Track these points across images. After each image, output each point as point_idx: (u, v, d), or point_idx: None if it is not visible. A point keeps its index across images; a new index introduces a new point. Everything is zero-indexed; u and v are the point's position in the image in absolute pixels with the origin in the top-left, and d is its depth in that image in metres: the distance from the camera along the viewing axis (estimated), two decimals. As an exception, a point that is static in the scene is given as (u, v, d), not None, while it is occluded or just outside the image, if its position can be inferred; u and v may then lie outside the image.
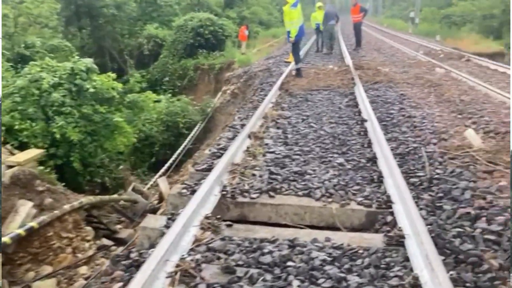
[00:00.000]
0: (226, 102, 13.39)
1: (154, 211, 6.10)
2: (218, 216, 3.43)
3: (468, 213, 3.24)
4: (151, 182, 10.69)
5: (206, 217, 3.32)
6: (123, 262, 2.95)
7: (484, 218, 3.15)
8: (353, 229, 3.55)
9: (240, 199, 3.79)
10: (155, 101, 15.76)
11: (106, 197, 7.00)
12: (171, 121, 14.38)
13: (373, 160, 4.62)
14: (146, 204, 7.54)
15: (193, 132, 13.70)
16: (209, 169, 4.27)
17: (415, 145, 4.92)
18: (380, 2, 71.81)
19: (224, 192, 3.81)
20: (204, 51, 22.60)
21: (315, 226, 3.62)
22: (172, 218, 3.36)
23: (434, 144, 4.83)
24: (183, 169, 10.14)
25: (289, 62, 12.75)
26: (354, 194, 3.83)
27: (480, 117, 5.96)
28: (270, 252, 2.91)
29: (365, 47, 17.95)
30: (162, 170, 11.48)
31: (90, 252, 5.72)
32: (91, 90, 9.14)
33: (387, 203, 3.60)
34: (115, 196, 7.59)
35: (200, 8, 29.11)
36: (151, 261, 2.59)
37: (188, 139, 13.47)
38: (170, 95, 18.34)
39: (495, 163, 4.10)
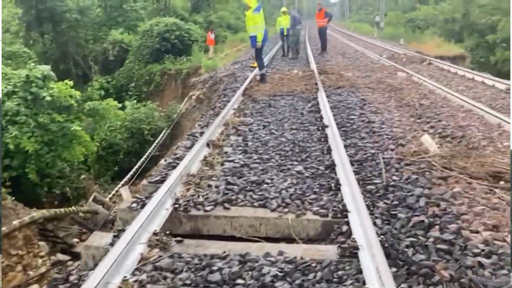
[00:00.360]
0: (191, 108, 13.20)
1: (114, 222, 5.88)
2: (168, 232, 3.28)
3: (422, 221, 3.21)
4: (113, 192, 10.40)
5: (155, 233, 3.17)
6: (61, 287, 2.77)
7: (437, 227, 3.12)
8: (309, 240, 3.47)
9: (194, 212, 3.65)
10: (120, 108, 15.43)
11: (62, 210, 6.71)
12: (135, 128, 14.09)
13: (331, 167, 4.57)
14: (107, 214, 7.28)
15: (158, 139, 13.44)
16: (162, 181, 4.12)
17: (373, 151, 4.90)
18: (346, 7, 72.97)
19: (177, 205, 3.66)
20: (171, 56, 22.32)
21: (271, 238, 3.53)
22: (118, 235, 3.20)
23: (392, 150, 4.82)
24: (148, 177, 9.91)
25: (255, 67, 12.71)
26: (310, 204, 3.75)
27: (438, 121, 6.02)
28: (220, 270, 2.79)
29: (331, 51, 18.12)
30: (126, 178, 11.18)
31: (43, 269, 5.45)
32: (48, 98, 8.80)
33: (343, 212, 3.54)
34: (72, 208, 7.29)
35: (166, 12, 28.79)
36: (88, 286, 2.42)
37: (152, 146, 13.20)
38: (135, 101, 18.02)
39: (450, 169, 4.11)
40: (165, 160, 4.98)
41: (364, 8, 74.54)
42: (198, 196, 3.89)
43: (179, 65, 21.76)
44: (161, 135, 13.83)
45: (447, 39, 32.32)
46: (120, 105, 15.76)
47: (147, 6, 29.37)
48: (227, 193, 3.95)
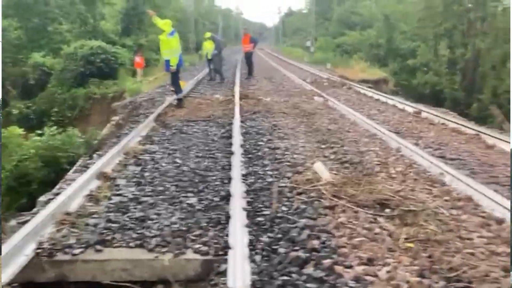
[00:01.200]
0: (110, 134, 12.62)
1: None
2: (28, 281, 2.91)
3: (299, 257, 3.06)
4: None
5: (7, 284, 2.79)
6: None
7: (312, 262, 2.99)
8: (189, 281, 3.22)
9: (59, 256, 3.28)
10: (40, 134, 14.50)
11: None
12: (50, 156, 13.21)
13: (227, 198, 4.38)
14: None
15: (74, 168, 12.65)
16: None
17: (271, 179, 4.78)
18: (280, 32, 75.02)
19: (40, 250, 3.28)
20: (96, 80, 21.55)
21: (147, 281, 3.25)
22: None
23: (288, 178, 4.72)
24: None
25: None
26: (193, 241, 3.51)
27: (341, 147, 6.05)
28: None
29: (259, 75, 18.30)
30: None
31: None
32: None
33: (225, 249, 3.33)
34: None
35: (94, 35, 27.95)
36: None
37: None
38: (56, 127, 17.04)
39: (339, 197, 4.05)
40: (45, 197, 4.55)
41: (299, 33, 77.04)
42: (69, 238, 3.52)
43: (105, 89, 21.08)
44: (78, 163, 13.03)
45: (373, 63, 34.01)
46: (40, 131, 14.84)
47: (74, 28, 28.32)
48: (103, 233, 3.62)
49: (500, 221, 3.62)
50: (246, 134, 7.13)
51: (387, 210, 3.82)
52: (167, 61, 9.68)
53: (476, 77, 25.94)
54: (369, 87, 20.58)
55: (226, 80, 16.00)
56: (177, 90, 10.00)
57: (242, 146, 6.30)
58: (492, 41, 24.70)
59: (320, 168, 4.58)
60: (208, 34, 17.33)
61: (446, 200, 4.00)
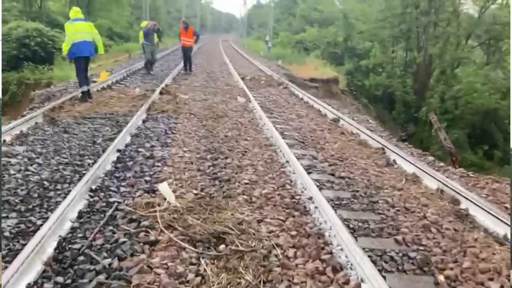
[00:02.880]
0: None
1: None
2: None
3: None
4: None
5: None
6: None
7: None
8: None
9: None
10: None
11: None
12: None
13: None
14: None
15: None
16: None
17: (119, 198, 4.10)
18: (245, 25, 74.17)
19: None
20: (31, 64, 20.16)
21: None
22: None
23: (133, 198, 4.05)
24: None
25: (95, 82, 11.63)
26: None
27: (225, 159, 5.45)
28: None
29: (201, 69, 17.56)
30: None
31: None
32: None
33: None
34: None
35: (39, 16, 26.34)
36: None
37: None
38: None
39: (174, 227, 3.43)
40: None
41: (265, 26, 76.29)
42: None
43: (40, 75, 19.74)
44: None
45: (329, 61, 33.76)
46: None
47: (13, 7, 26.59)
48: None
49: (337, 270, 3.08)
50: (135, 137, 6.42)
51: (221, 247, 3.22)
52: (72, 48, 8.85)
53: (427, 81, 26.03)
54: (315, 87, 20.44)
55: (165, 72, 15.15)
56: (81, 81, 9.14)
57: (119, 151, 5.60)
58: (443, 46, 24.81)
59: (165, 189, 3.93)
60: (144, 23, 16.51)
61: (292, 237, 3.44)
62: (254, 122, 7.81)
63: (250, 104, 9.50)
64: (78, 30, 8.86)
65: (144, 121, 7.55)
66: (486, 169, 22.69)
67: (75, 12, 9.12)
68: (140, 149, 5.76)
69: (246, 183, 4.53)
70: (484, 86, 22.26)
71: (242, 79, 14.88)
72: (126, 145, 5.96)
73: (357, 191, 4.76)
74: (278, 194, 4.31)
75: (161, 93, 10.37)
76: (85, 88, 9.08)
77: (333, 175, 5.29)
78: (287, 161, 5.43)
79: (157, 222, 3.50)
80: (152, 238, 3.28)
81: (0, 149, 5.69)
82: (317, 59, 33.02)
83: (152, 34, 14.68)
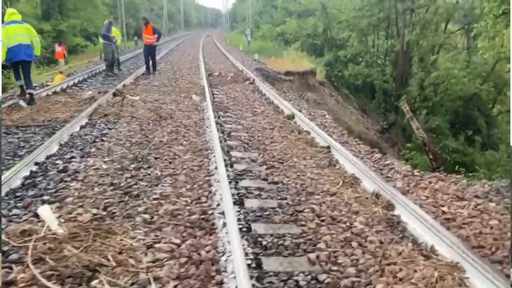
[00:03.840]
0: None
1: None
2: None
3: None
4: None
5: None
6: None
7: None
8: None
9: None
10: None
11: None
12: None
13: None
14: None
15: None
16: None
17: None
18: (227, 19, 73.45)
19: None
20: (-4, 69, 19.49)
21: None
22: None
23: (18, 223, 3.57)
24: None
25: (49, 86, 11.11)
26: None
27: (147, 168, 4.97)
28: None
29: (169, 66, 17.01)
30: None
31: None
32: None
33: None
34: None
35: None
36: None
37: None
38: None
39: (44, 260, 2.95)
40: None
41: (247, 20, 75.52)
42: None
43: (6, 79, 19.10)
44: None
45: (310, 53, 33.24)
46: None
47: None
48: None
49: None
50: (63, 147, 5.91)
51: (94, 283, 2.76)
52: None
53: (406, 69, 25.66)
54: (289, 80, 19.99)
55: (132, 72, 14.55)
56: (22, 87, 8.64)
57: (37, 164, 5.09)
58: (420, 32, 24.41)
59: (45, 214, 3.45)
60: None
61: (180, 265, 2.97)
62: (199, 123, 7.32)
63: (204, 103, 9.00)
64: (13, 33, 8.34)
65: (82, 127, 7.04)
66: (467, 155, 22.48)
67: (10, 14, 8.61)
68: (58, 161, 5.26)
69: (155, 199, 4.05)
70: (461, 72, 21.90)
71: (210, 75, 14.42)
72: (48, 157, 5.45)
73: (286, 198, 4.33)
74: (188, 210, 3.84)
75: (114, 94, 9.85)
76: (32, 91, 8.59)
77: (266, 180, 4.84)
78: (216, 168, 4.96)
79: (26, 253, 3.02)
80: (10, 277, 2.80)
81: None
82: (296, 51, 32.53)
83: (110, 32, 14.08)
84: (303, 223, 3.81)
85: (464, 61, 22.49)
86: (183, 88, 11.28)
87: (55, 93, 10.56)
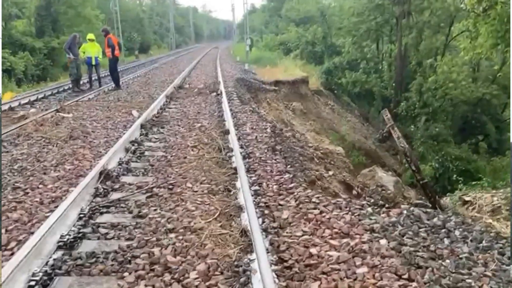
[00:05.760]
0: None
1: None
2: None
3: None
4: None
5: None
6: None
7: None
8: None
9: None
10: None
11: None
12: None
13: None
14: None
15: None
16: None
17: None
18: (234, 30, 73.32)
19: None
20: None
21: None
22: None
23: None
24: None
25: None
26: None
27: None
28: None
29: (141, 80, 16.41)
30: None
31: None
32: None
33: None
34: None
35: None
36: None
37: None
38: None
39: None
40: None
41: (257, 31, 75.02)
42: None
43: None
44: None
45: (309, 61, 32.42)
46: None
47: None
48: None
49: None
50: None
51: None
52: None
53: (404, 74, 24.56)
54: (274, 90, 19.17)
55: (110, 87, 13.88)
56: None
57: None
58: (417, 36, 23.33)
59: None
60: (91, 36, 15.10)
61: None
62: (113, 142, 6.57)
63: (140, 119, 8.24)
64: None
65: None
66: (471, 162, 21.18)
67: None
68: None
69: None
70: (460, 75, 20.71)
71: (180, 87, 13.73)
72: None
73: (133, 239, 3.53)
74: None
75: (57, 111, 9.29)
76: None
77: (131, 212, 4.06)
78: (83, 199, 4.19)
79: None
80: None
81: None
82: (294, 60, 31.76)
83: (75, 47, 13.53)
84: (125, 274, 3.00)
85: (463, 64, 21.25)
86: (134, 103, 10.58)
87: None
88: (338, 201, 4.19)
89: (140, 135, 7.19)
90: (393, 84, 24.93)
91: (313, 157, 14.40)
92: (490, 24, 10.16)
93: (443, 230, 3.85)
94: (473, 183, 15.58)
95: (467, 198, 10.98)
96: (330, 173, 13.91)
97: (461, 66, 21.32)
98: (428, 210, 4.35)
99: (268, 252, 3.16)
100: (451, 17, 25.79)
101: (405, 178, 17.24)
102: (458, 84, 20.68)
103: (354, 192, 13.29)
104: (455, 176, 16.75)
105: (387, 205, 14.09)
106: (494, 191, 11.43)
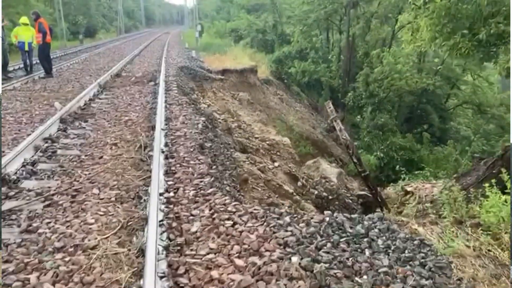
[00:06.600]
0: None
1: None
2: None
3: None
4: None
5: None
6: None
7: None
8: None
9: None
10: None
11: None
12: None
13: None
14: None
15: None
16: None
17: None
18: (186, 14, 71.69)
19: None
20: None
21: None
22: None
23: None
24: None
25: None
26: None
27: None
28: None
29: (81, 67, 15.44)
30: None
31: None
32: None
33: None
34: None
35: None
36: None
37: None
38: None
39: None
40: None
41: (209, 17, 73.60)
42: None
43: None
44: None
45: (260, 49, 32.01)
46: None
47: None
48: None
49: None
50: None
51: None
52: None
53: (352, 65, 24.70)
54: (221, 79, 18.69)
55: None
56: None
57: None
58: (363, 26, 23.46)
59: None
60: (25, 19, 13.88)
61: None
62: (18, 140, 5.91)
63: (61, 112, 7.56)
64: None
65: None
66: (415, 152, 21.68)
67: None
68: None
69: None
70: (405, 67, 21.05)
71: (117, 75, 12.98)
72: None
73: (14, 261, 3.02)
74: None
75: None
76: None
77: (19, 226, 3.54)
78: None
79: None
80: None
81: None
82: (244, 48, 31.26)
83: (3, 31, 12.40)
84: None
85: (409, 55, 21.60)
86: (61, 93, 9.80)
87: None
88: (255, 209, 3.84)
89: (58, 130, 6.56)
90: (341, 74, 25.02)
91: (259, 148, 14.18)
92: (429, 18, 10.13)
93: (366, 240, 3.62)
94: (416, 172, 15.92)
95: (409, 189, 11.08)
96: (276, 164, 13.75)
97: (406, 57, 21.66)
98: (353, 216, 4.09)
99: (163, 277, 2.77)
100: (398, 8, 26.16)
101: (350, 168, 17.31)
102: (403, 75, 20.99)
103: (299, 183, 13.19)
104: (398, 166, 16.95)
105: (330, 196, 13.93)
106: (434, 182, 11.62)
